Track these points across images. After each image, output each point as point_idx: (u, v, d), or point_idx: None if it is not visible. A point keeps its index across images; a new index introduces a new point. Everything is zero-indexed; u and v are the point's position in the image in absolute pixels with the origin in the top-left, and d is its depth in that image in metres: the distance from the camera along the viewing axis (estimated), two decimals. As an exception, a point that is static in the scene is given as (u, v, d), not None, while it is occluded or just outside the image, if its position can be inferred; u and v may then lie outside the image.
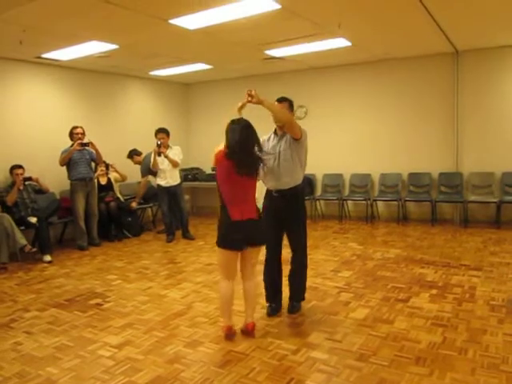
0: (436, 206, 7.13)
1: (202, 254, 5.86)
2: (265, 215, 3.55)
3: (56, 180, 6.52)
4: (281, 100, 3.65)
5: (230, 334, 3.27)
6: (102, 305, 4.10)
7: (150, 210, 7.88)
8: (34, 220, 5.80)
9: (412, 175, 7.40)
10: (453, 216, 7.22)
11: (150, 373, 2.82)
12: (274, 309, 3.71)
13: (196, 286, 4.51)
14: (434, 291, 4.09)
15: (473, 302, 3.79)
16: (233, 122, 3.23)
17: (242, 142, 3.16)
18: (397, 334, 3.22)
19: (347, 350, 3.02)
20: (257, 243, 3.28)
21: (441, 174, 7.17)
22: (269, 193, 3.66)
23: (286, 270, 3.75)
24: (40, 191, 6.13)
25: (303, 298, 3.83)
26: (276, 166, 3.54)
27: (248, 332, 3.30)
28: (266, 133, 3.71)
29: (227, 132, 3.20)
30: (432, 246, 5.74)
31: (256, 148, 3.23)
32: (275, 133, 3.68)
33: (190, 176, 8.48)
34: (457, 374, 2.65)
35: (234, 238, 3.17)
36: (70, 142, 6.31)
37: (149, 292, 4.41)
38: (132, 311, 3.90)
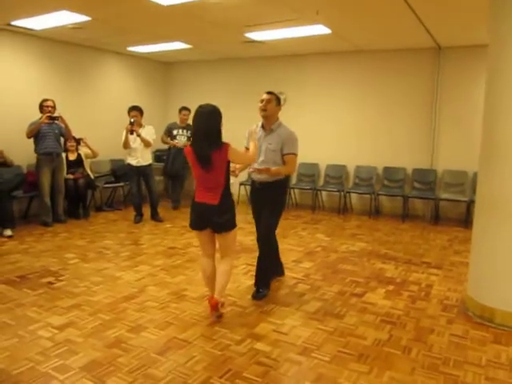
0: (408, 201, 7.12)
1: (167, 236, 5.77)
2: (250, 203, 3.86)
3: (23, 153, 6.32)
4: (270, 92, 3.66)
5: (212, 304, 3.24)
6: (53, 283, 4.00)
7: (121, 189, 7.73)
8: (-6, 193, 5.64)
9: (387, 169, 7.36)
10: (424, 212, 7.23)
11: (86, 356, 2.75)
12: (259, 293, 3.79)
13: (153, 270, 4.44)
14: (391, 287, 4.08)
15: (427, 300, 3.78)
16: (200, 106, 3.13)
17: (201, 129, 3.07)
18: (344, 330, 3.19)
19: (291, 343, 2.98)
20: (214, 229, 3.24)
21: (415, 170, 7.16)
22: (252, 183, 3.82)
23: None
24: (4, 164, 5.93)
25: (268, 285, 3.87)
26: (261, 160, 3.62)
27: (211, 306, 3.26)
28: (250, 124, 3.76)
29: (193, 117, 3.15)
30: (398, 242, 5.73)
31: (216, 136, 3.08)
32: (263, 127, 3.69)
33: (165, 157, 8.30)
34: (396, 373, 2.62)
35: (191, 217, 3.29)
36: (40, 115, 6.13)
37: (104, 273, 4.32)
38: (82, 292, 3.82)
